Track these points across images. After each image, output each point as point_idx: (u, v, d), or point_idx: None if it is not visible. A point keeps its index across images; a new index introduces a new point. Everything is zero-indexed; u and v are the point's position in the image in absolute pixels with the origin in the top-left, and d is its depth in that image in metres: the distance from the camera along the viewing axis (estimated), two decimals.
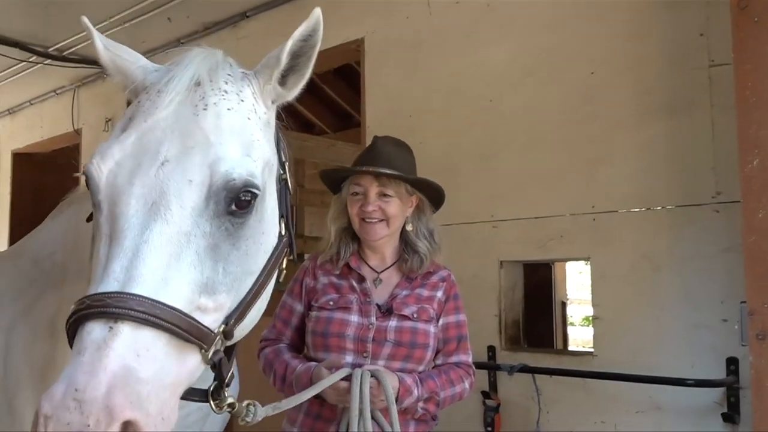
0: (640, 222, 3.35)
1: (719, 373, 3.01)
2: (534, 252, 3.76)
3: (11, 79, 7.14)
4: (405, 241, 2.46)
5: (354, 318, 2.31)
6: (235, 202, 1.35)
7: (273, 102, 1.60)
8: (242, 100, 1.48)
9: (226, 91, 1.46)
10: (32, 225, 2.38)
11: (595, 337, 3.51)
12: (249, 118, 1.47)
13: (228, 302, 1.35)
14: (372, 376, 2.15)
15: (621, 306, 3.38)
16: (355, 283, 2.39)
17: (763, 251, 2.57)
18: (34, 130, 7.93)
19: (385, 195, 2.36)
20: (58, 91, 7.48)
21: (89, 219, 1.48)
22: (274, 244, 1.53)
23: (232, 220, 1.35)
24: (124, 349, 1.14)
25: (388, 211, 2.36)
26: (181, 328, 1.21)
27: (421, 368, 2.34)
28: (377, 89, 4.54)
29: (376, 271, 2.44)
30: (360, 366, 2.21)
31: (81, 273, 1.92)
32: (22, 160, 8.35)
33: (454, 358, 2.43)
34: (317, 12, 1.50)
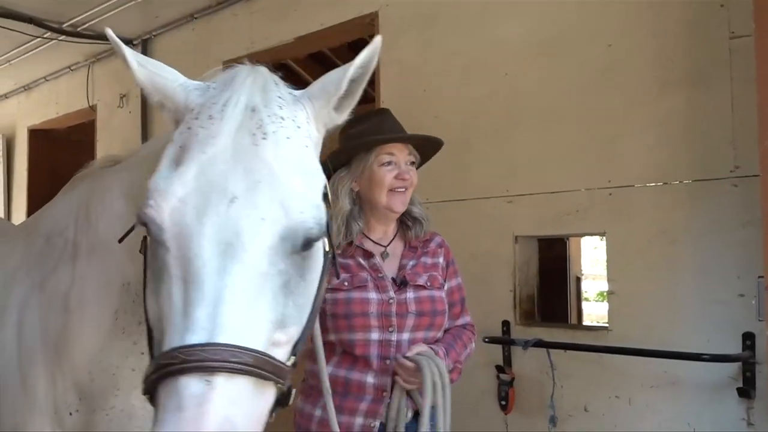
0: (657, 196, 3.32)
1: (735, 348, 3.00)
2: (549, 227, 3.74)
3: (26, 55, 7.15)
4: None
5: (373, 295, 2.32)
6: (308, 240, 1.32)
7: (324, 126, 1.55)
8: (298, 127, 1.41)
9: (282, 118, 1.38)
10: (48, 201, 2.39)
11: (609, 312, 3.50)
12: (306, 146, 1.41)
13: (296, 333, 1.33)
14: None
15: (636, 281, 3.36)
16: (362, 260, 2.39)
17: None
18: (50, 106, 7.96)
19: (412, 162, 2.39)
20: (72, 68, 7.49)
21: (142, 250, 1.44)
22: (323, 263, 1.48)
23: (302, 254, 1.32)
24: (222, 401, 1.13)
25: (414, 179, 2.39)
26: (267, 370, 1.21)
27: (439, 335, 2.40)
28: (391, 64, 4.51)
29: (381, 245, 2.44)
30: (388, 342, 2.25)
31: (92, 250, 1.94)
32: (38, 137, 8.40)
33: (460, 321, 2.55)
34: (378, 40, 1.48)
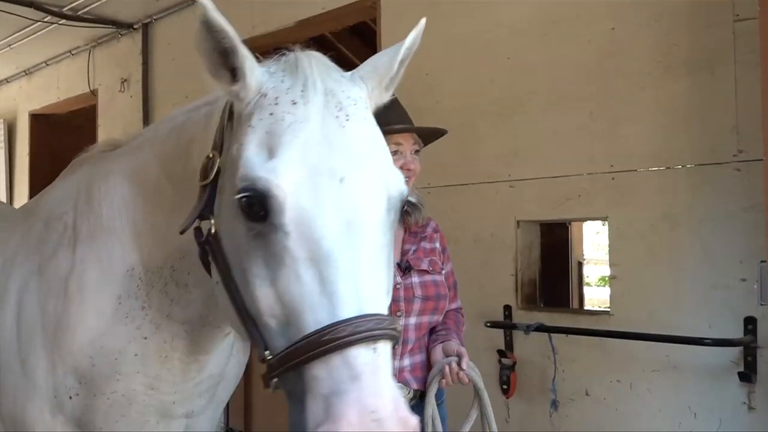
0: (659, 181, 3.31)
1: (737, 332, 3.00)
2: (551, 211, 3.74)
3: (26, 39, 7.13)
4: None
5: None
6: (401, 209, 1.43)
7: (375, 104, 1.58)
8: (366, 107, 1.48)
9: (354, 99, 1.44)
10: None
11: (611, 296, 3.51)
12: (374, 125, 1.47)
13: (389, 300, 1.40)
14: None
15: (639, 266, 3.36)
16: None
17: None
18: (51, 91, 7.94)
19: (416, 151, 2.41)
20: (73, 52, 7.47)
21: (206, 244, 1.45)
22: None
23: (394, 225, 1.42)
24: (386, 366, 1.23)
25: (417, 168, 2.41)
26: (400, 333, 1.34)
27: (440, 318, 2.43)
28: None
29: None
30: None
31: (94, 235, 1.93)
32: (39, 122, 8.39)
33: (454, 305, 2.61)
34: (423, 23, 1.62)
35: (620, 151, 3.44)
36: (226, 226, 1.40)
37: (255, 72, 1.44)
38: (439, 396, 2.37)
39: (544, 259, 4.10)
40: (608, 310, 3.54)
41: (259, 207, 1.29)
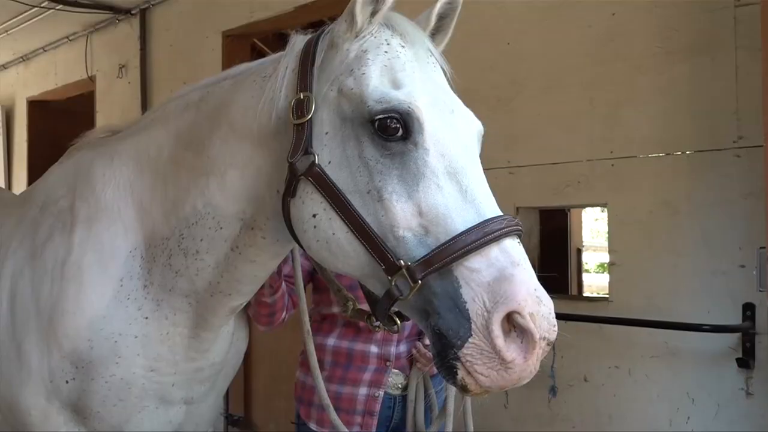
0: (659, 167, 3.30)
1: (735, 318, 3.01)
2: (551, 198, 3.73)
3: (24, 25, 7.08)
4: None
5: None
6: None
7: None
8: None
9: (433, 50, 1.67)
10: None
11: (610, 283, 3.51)
12: None
13: None
14: None
15: (638, 252, 3.36)
16: None
17: None
18: (48, 77, 7.90)
19: None
20: (71, 38, 7.42)
21: (304, 170, 1.54)
22: None
23: None
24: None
25: None
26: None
27: None
28: None
29: None
30: None
31: (94, 217, 1.93)
32: (37, 108, 8.36)
33: None
34: None
35: (620, 137, 3.43)
36: (340, 153, 1.52)
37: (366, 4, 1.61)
38: (440, 382, 2.36)
39: (543, 246, 4.10)
40: (607, 296, 3.55)
41: (398, 127, 1.46)
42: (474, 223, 1.38)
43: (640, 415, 3.31)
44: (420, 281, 1.37)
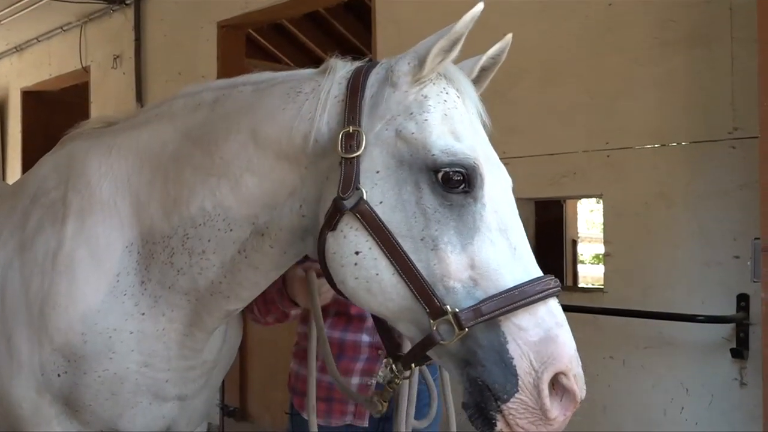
0: (655, 158, 3.31)
1: (729, 309, 3.02)
2: (546, 189, 3.73)
3: (17, 15, 7.04)
4: None
5: None
6: None
7: None
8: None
9: (478, 102, 1.71)
10: None
11: (606, 274, 3.52)
12: None
13: None
14: None
15: (633, 243, 3.37)
16: None
17: None
18: (42, 67, 7.87)
19: None
20: (65, 28, 7.38)
21: (352, 206, 1.53)
22: None
23: None
24: None
25: None
26: None
27: None
28: (389, 24, 4.44)
29: None
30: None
31: (89, 210, 1.91)
32: (31, 99, 8.32)
33: None
34: (509, 37, 1.83)
35: (616, 128, 3.43)
36: (394, 195, 1.52)
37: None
38: (435, 371, 2.34)
39: (539, 237, 4.10)
40: (602, 287, 3.55)
41: (461, 180, 1.49)
42: (523, 281, 1.43)
43: (635, 405, 3.32)
44: (467, 329, 1.40)
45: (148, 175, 1.88)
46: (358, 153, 1.54)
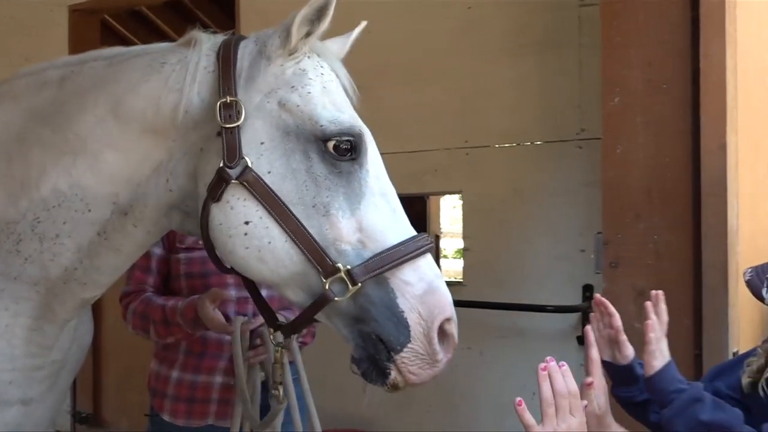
0: (511, 157, 3.46)
1: (576, 299, 3.22)
2: (409, 186, 3.79)
3: None
4: None
5: None
6: None
7: None
8: None
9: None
10: None
11: (464, 267, 3.64)
12: None
13: None
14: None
15: (490, 238, 3.51)
16: None
17: (619, 185, 2.71)
18: None
19: None
20: None
21: (238, 176, 1.54)
22: None
23: None
24: None
25: None
26: None
27: None
28: (254, 16, 4.35)
29: None
30: (245, 299, 2.19)
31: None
32: None
33: None
34: (363, 24, 1.91)
35: (474, 127, 3.55)
36: (283, 165, 1.55)
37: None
38: (294, 372, 2.31)
39: None
40: (461, 280, 3.67)
41: (349, 149, 1.56)
42: (399, 240, 1.53)
43: (490, 392, 3.46)
44: (360, 284, 1.48)
45: None
46: (238, 123, 1.56)
